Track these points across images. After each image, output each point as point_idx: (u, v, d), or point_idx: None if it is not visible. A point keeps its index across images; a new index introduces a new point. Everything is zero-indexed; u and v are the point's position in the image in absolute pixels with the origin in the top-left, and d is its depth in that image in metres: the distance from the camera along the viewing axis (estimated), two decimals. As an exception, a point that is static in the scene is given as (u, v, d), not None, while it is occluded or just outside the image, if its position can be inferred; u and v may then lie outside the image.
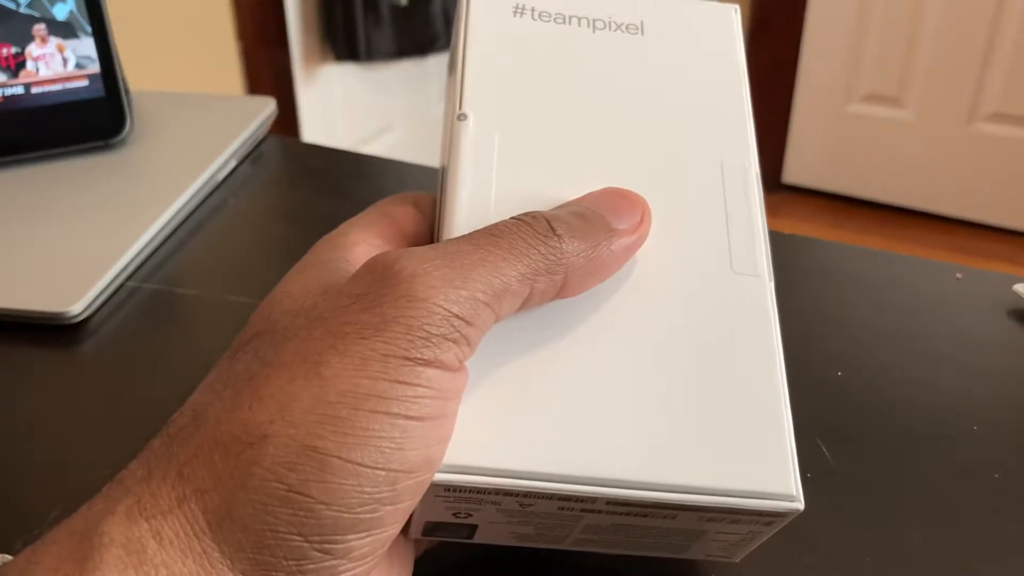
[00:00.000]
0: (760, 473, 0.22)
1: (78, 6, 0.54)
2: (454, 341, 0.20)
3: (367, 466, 0.19)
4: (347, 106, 1.96)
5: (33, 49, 0.54)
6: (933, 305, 0.43)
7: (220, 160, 0.54)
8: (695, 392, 0.23)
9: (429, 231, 0.28)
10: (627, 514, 0.22)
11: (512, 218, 0.23)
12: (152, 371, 0.40)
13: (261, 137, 0.59)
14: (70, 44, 0.54)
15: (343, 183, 0.55)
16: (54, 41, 0.54)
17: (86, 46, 0.54)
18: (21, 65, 0.54)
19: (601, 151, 0.27)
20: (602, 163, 0.26)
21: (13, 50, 0.53)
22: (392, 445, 0.19)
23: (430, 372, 0.20)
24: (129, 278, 0.46)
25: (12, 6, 0.53)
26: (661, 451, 0.22)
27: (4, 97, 0.54)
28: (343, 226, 0.27)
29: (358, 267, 0.23)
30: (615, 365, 0.23)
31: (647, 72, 0.29)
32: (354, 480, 0.19)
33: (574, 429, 0.22)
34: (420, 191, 0.30)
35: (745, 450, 0.22)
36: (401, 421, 0.19)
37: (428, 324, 0.20)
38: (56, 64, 0.54)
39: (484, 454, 0.21)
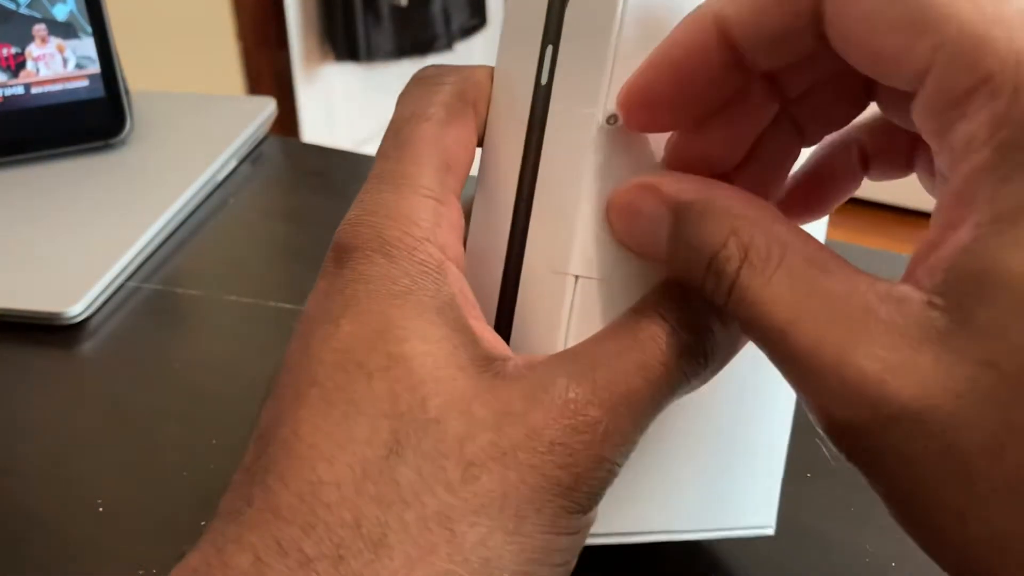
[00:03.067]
0: (752, 511, 0.26)
1: (78, 6, 0.54)
2: (608, 487, 0.20)
3: None
4: (347, 106, 1.96)
5: (33, 49, 0.54)
6: (933, 305, 0.43)
7: (220, 160, 0.54)
8: (717, 445, 0.25)
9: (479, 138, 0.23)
10: None
11: (664, 321, 0.21)
12: (152, 371, 0.40)
13: (261, 137, 0.59)
14: (70, 44, 0.54)
15: (343, 183, 0.55)
16: (54, 41, 0.54)
17: (86, 46, 0.55)
18: (21, 65, 0.54)
19: None
20: None
21: (13, 50, 0.54)
22: None
23: (589, 517, 0.21)
24: (129, 278, 0.46)
25: (12, 6, 0.53)
26: (684, 504, 0.25)
27: (4, 97, 0.54)
28: (410, 212, 0.21)
29: (465, 306, 0.21)
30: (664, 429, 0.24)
31: None
32: None
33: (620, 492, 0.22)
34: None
35: (748, 495, 0.26)
36: (567, 568, 0.20)
37: (607, 481, 0.20)
38: (56, 64, 0.54)
39: None
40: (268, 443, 0.19)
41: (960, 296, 0.16)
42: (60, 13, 0.54)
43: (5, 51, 0.53)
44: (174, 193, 0.50)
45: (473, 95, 0.23)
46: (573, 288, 0.21)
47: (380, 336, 0.20)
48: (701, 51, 0.20)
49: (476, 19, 2.12)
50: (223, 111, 0.60)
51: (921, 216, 2.14)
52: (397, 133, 0.23)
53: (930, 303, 0.16)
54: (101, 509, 0.32)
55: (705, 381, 0.21)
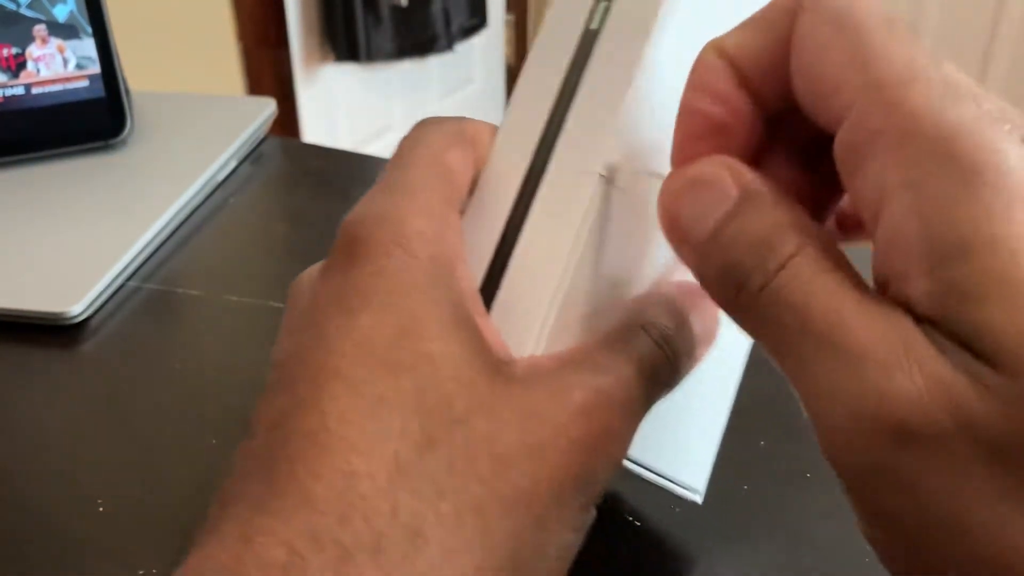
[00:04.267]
0: (686, 465, 0.27)
1: (79, 7, 0.54)
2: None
3: None
4: (347, 106, 1.96)
5: (34, 50, 0.54)
6: (933, 305, 0.43)
7: (220, 160, 0.54)
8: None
9: (482, 165, 0.25)
10: None
11: (651, 340, 0.23)
12: (152, 371, 0.40)
13: (261, 137, 0.59)
14: (70, 45, 0.54)
15: (343, 183, 0.55)
16: (55, 42, 0.54)
17: (86, 47, 0.55)
18: (22, 66, 0.54)
19: None
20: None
21: (14, 51, 0.54)
22: None
23: (591, 516, 0.22)
24: (130, 278, 0.46)
25: (13, 7, 0.53)
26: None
27: (4, 98, 0.54)
28: (422, 213, 0.22)
29: (475, 311, 0.22)
30: None
31: None
32: None
33: None
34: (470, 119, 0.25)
35: (685, 445, 0.27)
36: (569, 558, 0.21)
37: (608, 482, 0.21)
38: (56, 65, 0.54)
39: None
40: (289, 434, 0.19)
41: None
42: (60, 13, 0.54)
43: (5, 51, 0.53)
44: (174, 193, 0.50)
45: (472, 132, 0.24)
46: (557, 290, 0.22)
47: (404, 333, 0.20)
48: (718, 85, 0.21)
49: (476, 19, 2.12)
50: (223, 111, 0.60)
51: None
52: (401, 156, 0.23)
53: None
54: (101, 509, 0.32)
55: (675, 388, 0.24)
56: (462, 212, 0.23)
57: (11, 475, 0.34)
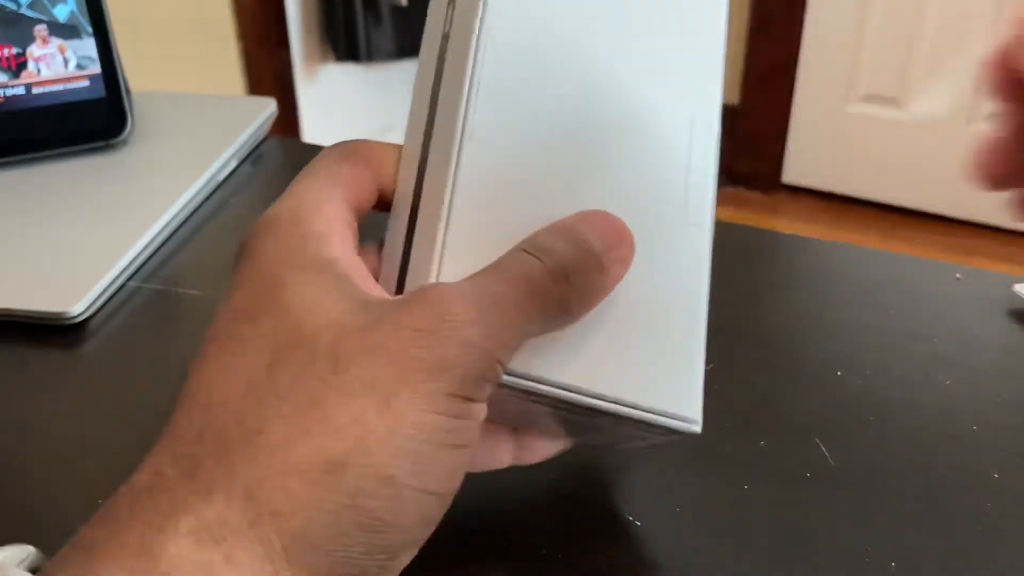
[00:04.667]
0: (672, 396, 0.27)
1: (79, 7, 0.54)
2: (492, 381, 0.23)
3: (432, 492, 0.22)
4: (347, 106, 1.96)
5: (34, 50, 0.54)
6: (932, 305, 0.43)
7: (221, 160, 0.54)
8: (633, 320, 0.27)
9: (390, 183, 0.28)
10: (568, 411, 0.27)
11: (528, 252, 0.24)
12: (153, 371, 0.40)
13: (262, 137, 0.59)
14: (71, 45, 0.54)
15: (343, 183, 0.55)
16: (55, 42, 0.54)
17: (87, 47, 0.55)
18: (22, 66, 0.54)
19: (587, 97, 0.27)
20: (585, 110, 0.27)
21: (14, 51, 0.54)
22: (451, 472, 0.22)
23: (476, 407, 0.23)
24: (130, 278, 0.46)
25: (13, 7, 0.53)
26: (598, 365, 0.26)
27: (5, 97, 0.54)
28: (296, 206, 0.25)
29: (351, 270, 0.24)
30: None
31: (639, 10, 0.29)
32: (420, 506, 0.22)
33: (543, 343, 0.26)
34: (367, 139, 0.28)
35: (665, 375, 0.27)
36: (458, 451, 0.22)
37: (483, 369, 0.22)
38: (57, 65, 0.54)
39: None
40: (178, 398, 0.23)
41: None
42: (61, 14, 0.54)
43: (6, 52, 0.53)
44: (174, 193, 0.50)
45: (366, 149, 0.27)
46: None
47: (264, 291, 0.23)
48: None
49: (476, 19, 2.11)
50: (223, 111, 0.60)
51: (921, 216, 2.14)
52: (298, 175, 0.27)
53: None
54: (102, 509, 0.32)
55: (579, 309, 0.25)
56: (388, 210, 0.27)
57: (11, 474, 0.34)
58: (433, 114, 0.27)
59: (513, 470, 0.30)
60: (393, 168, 0.27)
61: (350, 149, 0.27)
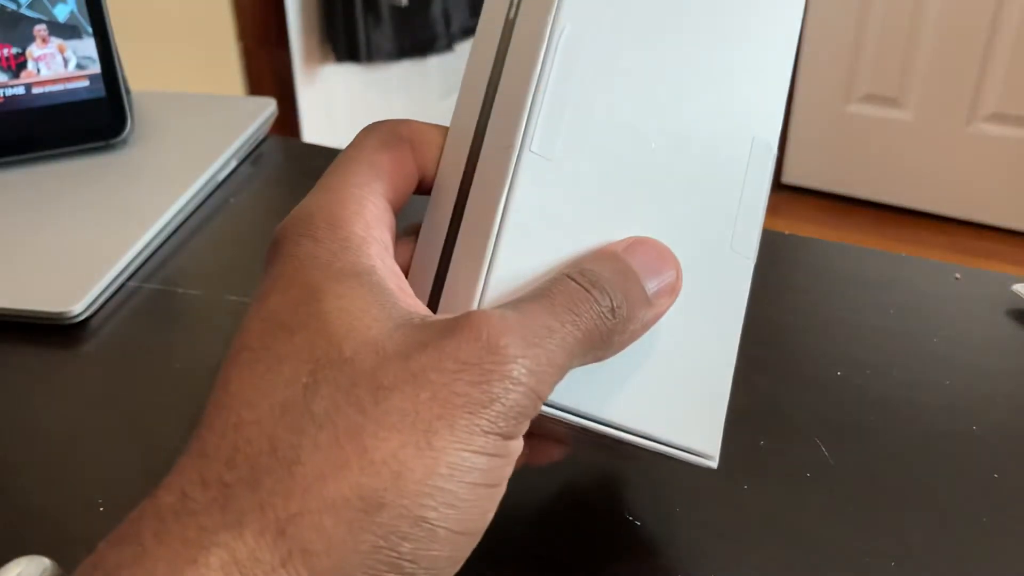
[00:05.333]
0: (695, 432, 0.27)
1: (79, 7, 0.54)
2: (531, 417, 0.22)
3: (464, 534, 0.21)
4: (347, 106, 1.96)
5: (34, 49, 0.54)
6: (932, 305, 0.43)
7: (221, 160, 0.54)
8: (667, 353, 0.26)
9: (432, 166, 0.26)
10: (588, 434, 0.26)
11: (575, 281, 0.23)
12: (152, 371, 0.40)
13: (261, 137, 0.59)
14: (71, 44, 0.54)
15: (343, 183, 0.55)
16: (55, 42, 0.54)
17: (87, 46, 0.55)
18: (22, 65, 0.54)
19: (650, 117, 0.26)
20: (646, 131, 0.26)
21: (14, 50, 0.54)
22: (484, 512, 0.22)
23: (513, 444, 0.22)
24: (130, 278, 0.46)
25: (13, 7, 0.53)
26: (627, 398, 0.25)
27: (5, 97, 0.54)
28: (334, 204, 0.24)
29: (388, 280, 0.23)
30: None
31: (711, 22, 0.27)
32: (452, 547, 0.21)
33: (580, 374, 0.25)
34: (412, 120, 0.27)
35: (692, 411, 0.27)
36: (491, 490, 0.22)
37: (524, 407, 0.22)
38: (57, 64, 0.54)
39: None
40: (206, 408, 0.22)
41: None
42: (61, 13, 0.54)
43: (6, 51, 0.53)
44: (174, 193, 0.50)
45: (408, 132, 0.26)
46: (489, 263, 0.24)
47: (302, 300, 0.22)
48: None
49: (476, 19, 2.11)
50: (223, 111, 0.60)
51: (921, 216, 2.14)
52: (335, 162, 0.25)
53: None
54: (102, 508, 0.32)
55: (622, 344, 0.24)
56: (428, 194, 0.26)
57: (11, 474, 0.34)
58: (488, 108, 0.25)
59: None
60: (436, 152, 0.26)
61: (392, 132, 0.26)
